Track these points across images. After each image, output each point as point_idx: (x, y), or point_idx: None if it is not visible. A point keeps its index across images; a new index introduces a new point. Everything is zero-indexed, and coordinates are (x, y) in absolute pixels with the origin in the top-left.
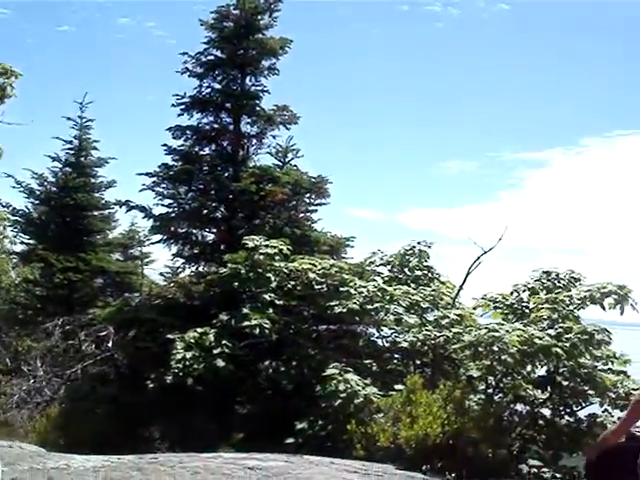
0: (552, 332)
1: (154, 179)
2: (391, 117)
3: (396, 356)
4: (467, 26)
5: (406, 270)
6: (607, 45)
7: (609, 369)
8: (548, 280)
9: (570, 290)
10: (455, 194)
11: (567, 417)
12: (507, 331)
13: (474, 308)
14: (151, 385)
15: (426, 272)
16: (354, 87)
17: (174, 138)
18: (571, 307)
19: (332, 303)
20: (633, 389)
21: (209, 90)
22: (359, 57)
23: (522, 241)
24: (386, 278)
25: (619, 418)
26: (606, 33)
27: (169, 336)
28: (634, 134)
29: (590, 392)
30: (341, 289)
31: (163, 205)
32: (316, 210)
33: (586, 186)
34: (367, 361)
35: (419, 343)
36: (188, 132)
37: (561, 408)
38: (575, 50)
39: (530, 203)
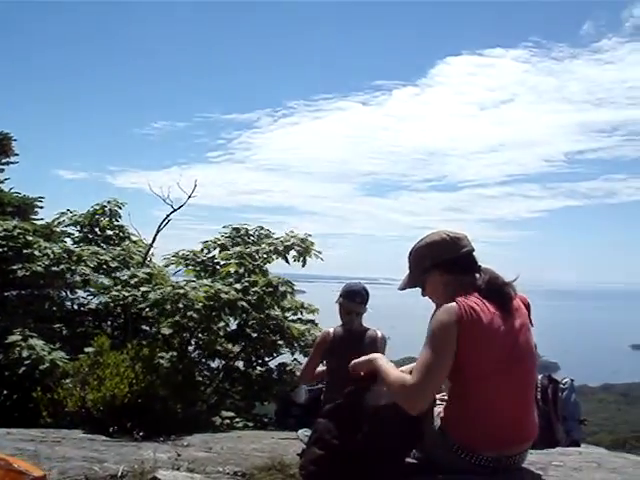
0: (239, 286)
1: None
2: (93, 79)
3: (89, 318)
4: None
5: (97, 230)
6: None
7: (299, 319)
8: (238, 236)
9: (260, 245)
10: (164, 154)
11: (259, 368)
12: (194, 287)
13: (166, 266)
14: None
15: (117, 232)
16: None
17: None
18: (258, 261)
19: (15, 267)
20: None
21: None
22: None
23: (232, 201)
24: (77, 239)
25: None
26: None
27: None
28: (337, 98)
29: (280, 342)
30: (25, 251)
31: None
32: (2, 170)
33: (291, 147)
34: (57, 325)
35: (111, 304)
36: None
37: (253, 359)
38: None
39: (240, 163)
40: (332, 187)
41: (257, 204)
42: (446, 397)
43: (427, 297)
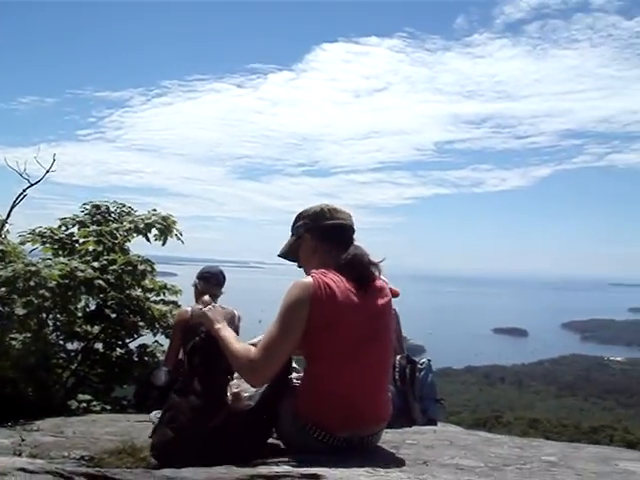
0: (96, 264)
1: None
2: None
3: None
4: None
5: None
6: None
7: (161, 300)
8: (98, 213)
9: (121, 223)
10: (32, 131)
11: (119, 350)
12: (48, 265)
13: (21, 244)
14: None
15: None
16: None
17: None
18: (118, 239)
19: None
20: None
21: None
22: None
23: (103, 181)
24: None
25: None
26: None
27: None
28: (212, 79)
29: (141, 323)
30: None
31: None
32: None
33: (164, 127)
34: None
35: None
36: None
37: (113, 341)
38: None
39: (111, 143)
40: (205, 169)
41: (128, 185)
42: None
43: (302, 269)
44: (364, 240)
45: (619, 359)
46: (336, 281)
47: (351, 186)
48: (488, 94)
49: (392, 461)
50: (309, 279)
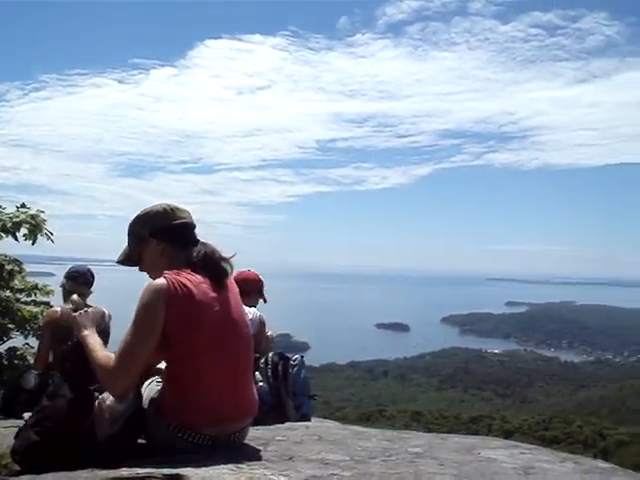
0: None
1: None
2: None
3: None
4: None
5: None
6: None
7: (32, 301)
8: None
9: None
10: None
11: None
12: None
13: None
14: None
15: None
16: None
17: None
18: None
19: None
20: None
21: None
22: None
23: None
24: None
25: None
26: None
27: None
28: (92, 74)
29: (10, 325)
30: None
31: None
32: None
33: (42, 122)
34: None
35: None
36: None
37: None
38: None
39: None
40: (85, 166)
41: (7, 182)
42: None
43: (145, 272)
44: (247, 237)
45: (497, 351)
46: (192, 280)
47: (234, 183)
48: (370, 93)
49: (258, 458)
50: (162, 280)
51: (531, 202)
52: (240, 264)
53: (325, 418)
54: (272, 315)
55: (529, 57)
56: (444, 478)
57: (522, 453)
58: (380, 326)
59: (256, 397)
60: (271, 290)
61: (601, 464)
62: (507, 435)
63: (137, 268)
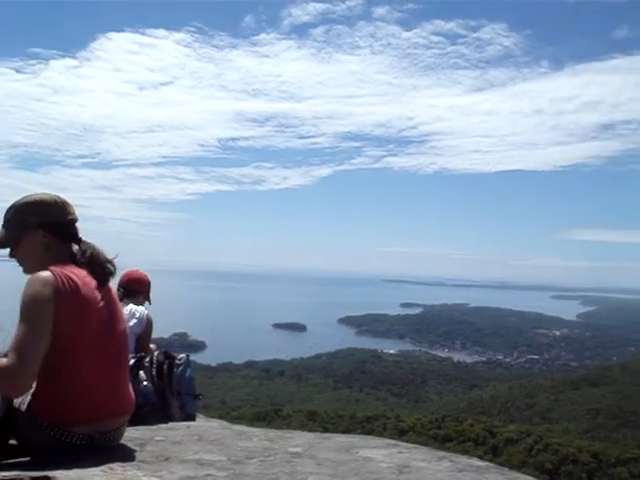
0: None
1: None
2: None
3: None
4: None
5: None
6: None
7: None
8: None
9: None
10: None
11: None
12: None
13: None
14: None
15: None
16: None
17: None
18: None
19: None
20: None
21: None
22: None
23: None
24: None
25: None
26: None
27: None
28: None
29: None
30: None
31: None
32: None
33: None
34: None
35: None
36: None
37: None
38: None
39: None
40: None
41: None
42: None
43: (16, 260)
44: (144, 235)
45: (392, 351)
46: (77, 275)
47: (132, 180)
48: (273, 93)
49: (132, 458)
50: (49, 273)
51: (428, 206)
52: (136, 262)
53: (221, 418)
54: (170, 314)
55: (430, 64)
56: (319, 477)
57: (400, 452)
58: (277, 326)
59: (133, 396)
60: (169, 289)
61: (477, 462)
62: (401, 434)
63: (7, 253)
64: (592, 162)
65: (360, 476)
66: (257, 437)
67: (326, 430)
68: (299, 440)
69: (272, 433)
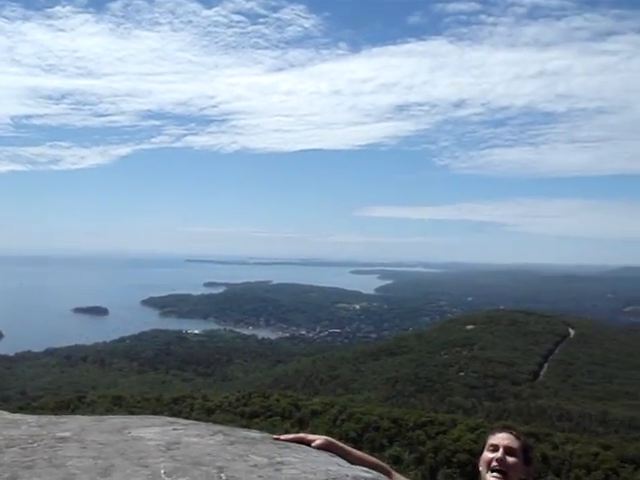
0: None
1: None
2: None
3: None
4: None
5: None
6: None
7: None
8: None
9: None
10: None
11: None
12: None
13: None
14: None
15: None
16: None
17: None
18: None
19: None
20: None
21: None
22: None
23: None
24: None
25: None
26: None
27: None
28: None
29: None
30: None
31: None
32: None
33: None
34: None
35: None
36: None
37: None
38: None
39: None
40: None
41: None
42: None
43: None
44: None
45: (197, 332)
46: None
47: None
48: (69, 69)
49: None
50: None
51: (230, 185)
52: None
53: (21, 409)
54: None
55: (230, 43)
56: (80, 461)
57: (175, 429)
58: (78, 310)
59: None
60: None
61: (252, 434)
62: (209, 413)
63: None
64: (388, 142)
65: (125, 456)
66: (28, 424)
67: (132, 414)
68: (72, 424)
69: (46, 419)
